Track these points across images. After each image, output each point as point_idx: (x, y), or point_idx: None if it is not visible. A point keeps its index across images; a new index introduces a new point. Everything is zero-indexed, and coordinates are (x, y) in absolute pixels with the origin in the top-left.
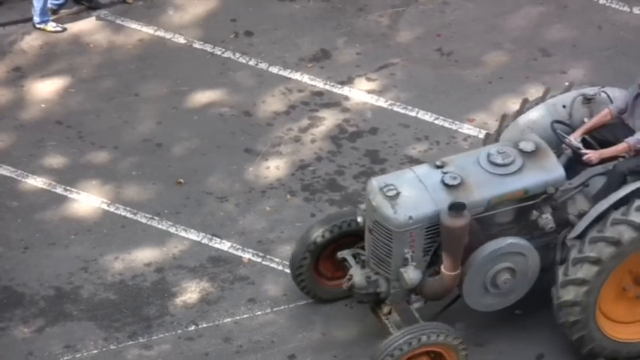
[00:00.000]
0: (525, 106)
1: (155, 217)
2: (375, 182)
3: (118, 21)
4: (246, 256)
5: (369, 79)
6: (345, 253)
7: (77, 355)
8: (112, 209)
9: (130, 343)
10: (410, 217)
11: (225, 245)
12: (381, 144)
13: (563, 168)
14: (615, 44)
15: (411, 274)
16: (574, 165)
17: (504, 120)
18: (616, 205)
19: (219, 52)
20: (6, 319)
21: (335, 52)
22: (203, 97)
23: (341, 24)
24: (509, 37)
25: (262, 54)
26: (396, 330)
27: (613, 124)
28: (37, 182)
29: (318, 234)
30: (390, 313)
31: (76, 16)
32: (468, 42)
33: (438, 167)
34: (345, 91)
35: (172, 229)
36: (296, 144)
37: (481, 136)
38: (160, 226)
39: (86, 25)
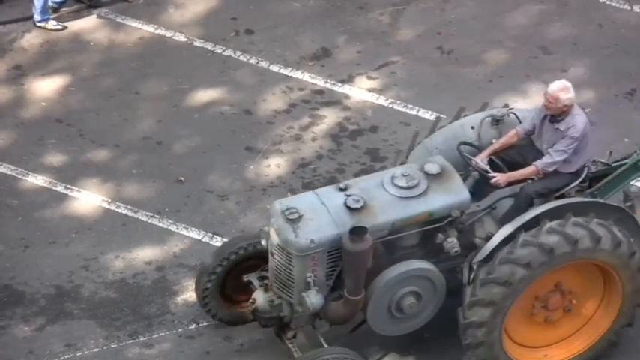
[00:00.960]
0: (438, 124)
1: (156, 216)
2: (278, 205)
3: (119, 19)
4: None
5: (369, 78)
6: (250, 276)
7: (78, 354)
8: (112, 207)
9: (131, 341)
10: (311, 241)
11: None
12: (381, 142)
13: (472, 190)
14: (616, 42)
15: (313, 299)
16: (482, 187)
17: (414, 140)
18: (523, 228)
19: (219, 51)
20: (7, 318)
21: (335, 50)
22: (204, 95)
23: (341, 22)
24: (510, 36)
25: (263, 52)
26: (299, 354)
27: (522, 145)
28: (37, 180)
29: (216, 262)
30: (294, 336)
31: (76, 15)
32: (469, 40)
33: (342, 190)
34: (345, 89)
35: (173, 228)
36: (296, 142)
37: None
38: (160, 225)
39: (87, 24)
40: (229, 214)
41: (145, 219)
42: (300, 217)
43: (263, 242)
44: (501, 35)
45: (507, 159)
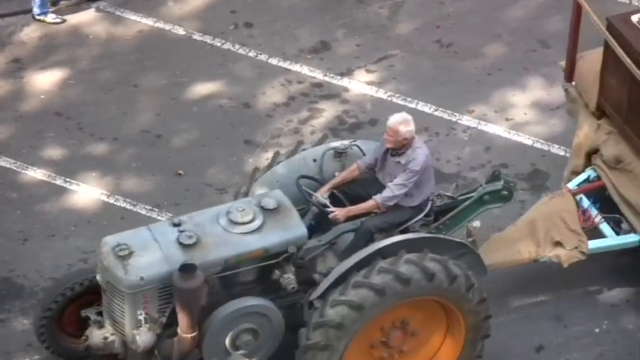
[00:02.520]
0: (276, 159)
1: (155, 209)
2: (109, 241)
3: (118, 12)
4: None
5: (368, 71)
6: (88, 311)
7: None
8: (111, 201)
9: None
10: (141, 278)
11: None
12: (380, 135)
13: (314, 224)
14: None
15: (144, 337)
16: (325, 221)
17: (255, 173)
18: (361, 265)
19: (218, 44)
20: (5, 311)
21: (334, 43)
22: (203, 88)
23: (340, 15)
24: (508, 29)
25: (262, 45)
26: None
27: (365, 179)
28: (36, 174)
29: (51, 299)
30: None
31: (75, 8)
32: (467, 33)
33: (175, 225)
34: (344, 82)
35: None
36: (295, 135)
37: (480, 127)
38: (159, 218)
39: (85, 17)
40: None
41: (144, 212)
42: (130, 253)
43: (98, 277)
44: (500, 29)
45: (350, 193)
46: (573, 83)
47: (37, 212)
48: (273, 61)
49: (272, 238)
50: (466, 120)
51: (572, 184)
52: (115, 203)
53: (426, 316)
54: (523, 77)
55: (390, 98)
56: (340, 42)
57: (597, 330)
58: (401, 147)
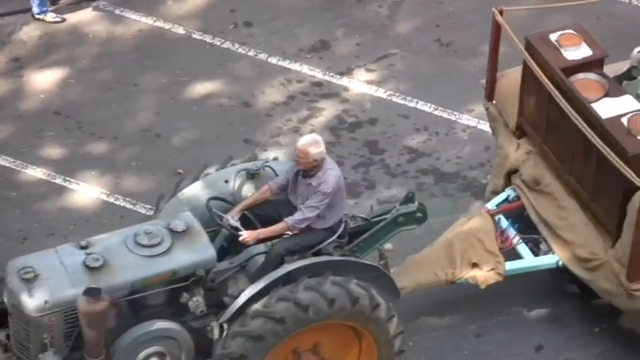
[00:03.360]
0: (202, 175)
1: (154, 208)
2: (14, 264)
3: (117, 11)
4: None
5: (368, 70)
6: None
7: None
8: (111, 200)
9: None
10: (46, 302)
11: None
12: (380, 134)
13: (226, 246)
14: (614, 35)
15: None
16: (238, 243)
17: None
18: (268, 289)
19: (218, 43)
20: None
21: (334, 42)
22: (202, 87)
23: (340, 14)
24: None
25: (261, 44)
26: None
27: (278, 200)
28: (36, 173)
29: None
30: None
31: (75, 7)
32: (467, 32)
33: (83, 248)
34: (344, 81)
35: None
36: (295, 135)
37: (480, 126)
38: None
39: (85, 16)
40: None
41: (143, 211)
42: (35, 276)
43: (5, 300)
44: None
45: (262, 214)
46: (494, 102)
47: (36, 211)
48: (273, 60)
49: (180, 260)
50: (466, 119)
51: (492, 204)
52: (115, 202)
53: (337, 337)
54: None
55: (389, 97)
56: (340, 41)
57: (597, 329)
58: (312, 168)
